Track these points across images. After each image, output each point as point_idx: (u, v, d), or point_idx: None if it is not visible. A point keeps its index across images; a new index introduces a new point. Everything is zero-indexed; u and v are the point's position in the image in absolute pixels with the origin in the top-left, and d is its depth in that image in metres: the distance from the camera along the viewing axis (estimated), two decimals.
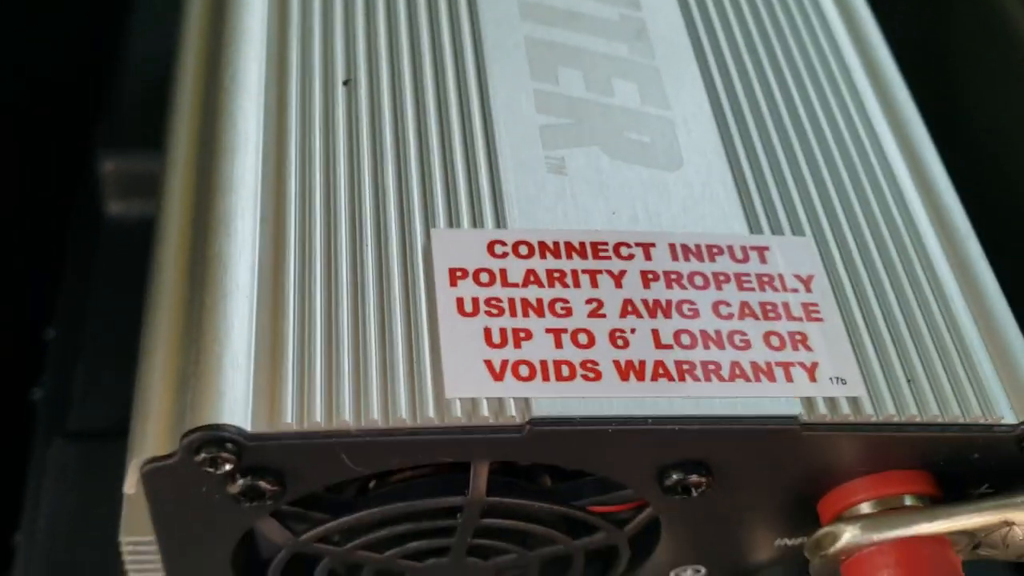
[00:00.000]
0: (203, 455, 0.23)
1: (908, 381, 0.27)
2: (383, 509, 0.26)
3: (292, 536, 0.26)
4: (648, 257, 0.27)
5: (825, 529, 0.28)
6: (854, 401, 0.26)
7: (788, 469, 0.27)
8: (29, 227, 0.60)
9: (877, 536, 0.28)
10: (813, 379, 0.26)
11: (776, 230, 0.29)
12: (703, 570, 0.32)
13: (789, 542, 0.31)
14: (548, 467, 0.28)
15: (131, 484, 0.25)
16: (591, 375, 0.25)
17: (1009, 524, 0.28)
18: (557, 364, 0.25)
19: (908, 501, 0.29)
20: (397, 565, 0.28)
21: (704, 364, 0.26)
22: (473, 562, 0.29)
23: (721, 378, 0.25)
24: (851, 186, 0.31)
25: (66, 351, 0.49)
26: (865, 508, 0.28)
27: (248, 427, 0.23)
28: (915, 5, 0.57)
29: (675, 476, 0.26)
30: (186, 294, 0.26)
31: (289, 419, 0.23)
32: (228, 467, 0.23)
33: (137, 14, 0.50)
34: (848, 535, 0.28)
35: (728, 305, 0.27)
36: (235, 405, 0.23)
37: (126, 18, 0.51)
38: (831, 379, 0.26)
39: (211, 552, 0.27)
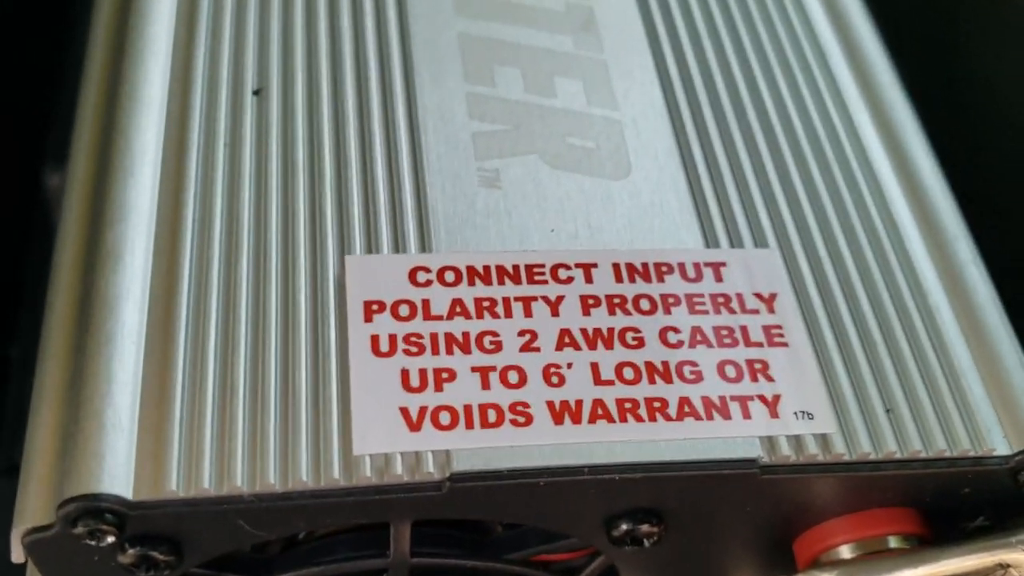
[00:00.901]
0: (81, 527, 0.20)
1: (887, 411, 0.24)
2: (297, 574, 0.23)
3: None
4: (589, 279, 0.24)
5: None
6: (823, 438, 0.23)
7: (752, 513, 0.24)
8: None
9: None
10: (775, 415, 0.23)
11: (736, 242, 0.26)
12: None
13: None
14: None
15: (17, 554, 0.22)
16: (521, 420, 0.22)
17: (1004, 567, 0.25)
18: (483, 408, 0.22)
19: (892, 542, 0.26)
20: None
21: (649, 402, 0.23)
22: None
23: (668, 417, 0.22)
24: (824, 187, 0.27)
25: (25, 372, 0.47)
26: (845, 551, 0.25)
27: (129, 495, 0.21)
28: None
29: (624, 526, 0.23)
30: (73, 340, 0.23)
31: (174, 485, 0.21)
32: (111, 539, 0.21)
33: (79, 28, 0.48)
34: None
35: (677, 332, 0.24)
36: (115, 470, 0.21)
37: (68, 32, 0.49)
38: (796, 414, 0.23)
39: None
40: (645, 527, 0.23)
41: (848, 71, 0.30)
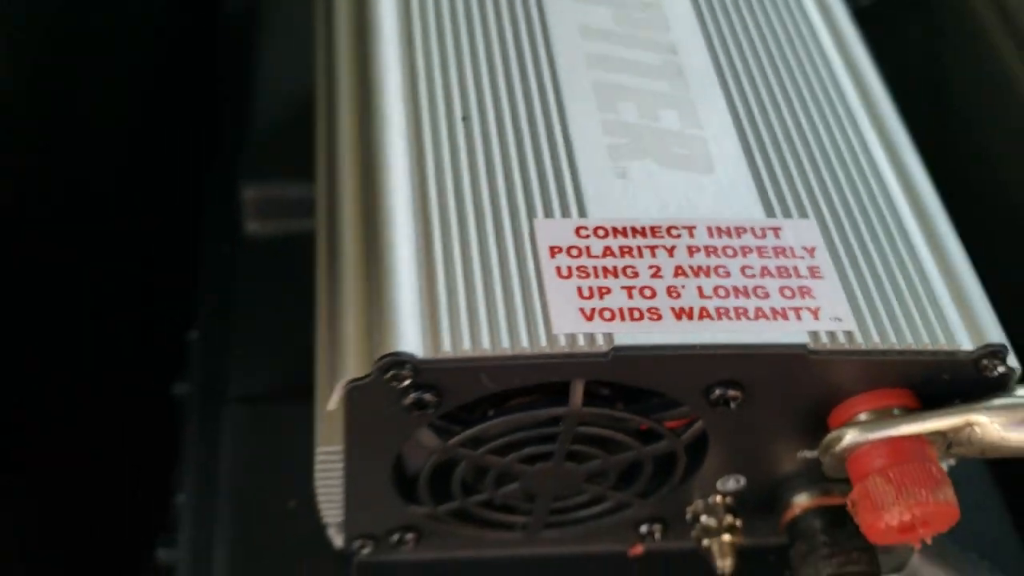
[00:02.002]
0: (390, 374, 0.33)
1: (889, 318, 0.36)
2: (506, 419, 0.36)
3: (442, 442, 0.36)
4: (691, 236, 0.37)
5: (832, 434, 0.37)
6: (848, 334, 0.35)
7: (803, 387, 0.36)
8: (168, 243, 0.71)
9: (871, 436, 0.37)
10: (816, 318, 0.36)
11: (786, 214, 0.38)
12: (743, 479, 0.42)
13: (808, 454, 0.40)
14: (621, 393, 0.37)
15: (334, 401, 0.35)
16: (655, 317, 0.35)
17: (971, 424, 0.37)
18: (631, 311, 0.35)
19: (895, 412, 0.38)
20: (514, 468, 0.38)
21: (736, 309, 0.35)
22: (570, 467, 0.39)
23: (748, 318, 0.35)
24: (844, 180, 0.40)
25: (209, 348, 0.58)
26: (862, 417, 0.38)
27: (420, 354, 0.33)
28: (912, 46, 0.66)
29: (718, 392, 0.36)
30: (365, 269, 0.36)
31: (447, 348, 0.33)
32: (406, 383, 0.33)
33: (262, 52, 0.61)
34: (849, 437, 0.37)
35: (751, 268, 0.36)
36: (410, 338, 0.33)
37: (253, 56, 0.62)
38: (830, 318, 0.36)
39: (380, 459, 0.37)
40: (732, 392, 0.35)
41: (861, 107, 0.43)
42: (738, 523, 0.43)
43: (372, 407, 0.35)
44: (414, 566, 0.44)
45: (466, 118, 0.40)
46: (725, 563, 0.42)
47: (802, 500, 0.42)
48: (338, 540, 0.43)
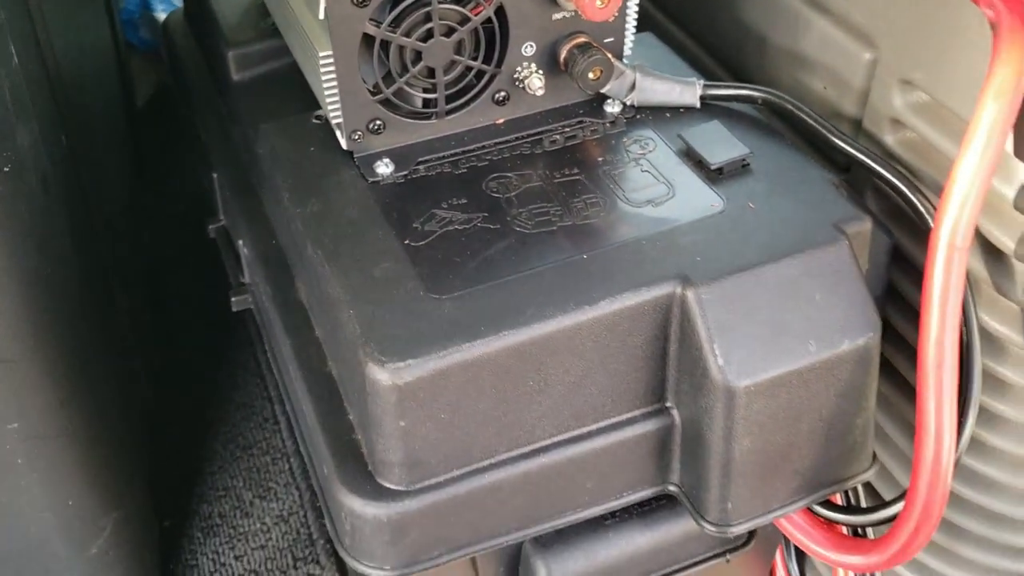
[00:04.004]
0: None
1: None
2: (403, 5, 0.73)
3: (378, 28, 0.73)
4: None
5: None
6: None
7: None
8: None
9: None
10: None
11: None
12: (534, 44, 0.80)
13: (557, 15, 0.80)
14: None
15: (322, 11, 0.72)
16: None
17: None
18: None
19: None
20: (416, 46, 0.76)
21: None
22: (444, 41, 0.76)
23: None
24: None
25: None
26: None
27: None
28: None
29: None
30: None
31: None
32: None
33: None
34: None
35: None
36: None
37: None
38: None
39: (351, 51, 0.74)
40: None
41: None
42: (541, 72, 0.81)
43: (339, 7, 0.72)
44: (389, 153, 0.80)
45: None
46: (537, 86, 0.81)
47: (566, 46, 0.81)
48: (343, 142, 0.79)
